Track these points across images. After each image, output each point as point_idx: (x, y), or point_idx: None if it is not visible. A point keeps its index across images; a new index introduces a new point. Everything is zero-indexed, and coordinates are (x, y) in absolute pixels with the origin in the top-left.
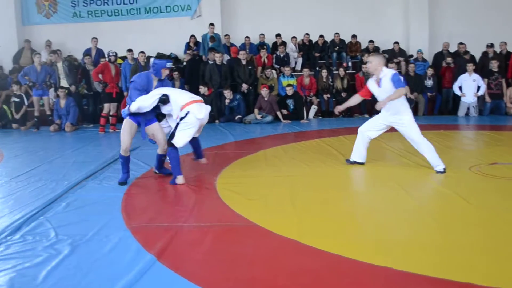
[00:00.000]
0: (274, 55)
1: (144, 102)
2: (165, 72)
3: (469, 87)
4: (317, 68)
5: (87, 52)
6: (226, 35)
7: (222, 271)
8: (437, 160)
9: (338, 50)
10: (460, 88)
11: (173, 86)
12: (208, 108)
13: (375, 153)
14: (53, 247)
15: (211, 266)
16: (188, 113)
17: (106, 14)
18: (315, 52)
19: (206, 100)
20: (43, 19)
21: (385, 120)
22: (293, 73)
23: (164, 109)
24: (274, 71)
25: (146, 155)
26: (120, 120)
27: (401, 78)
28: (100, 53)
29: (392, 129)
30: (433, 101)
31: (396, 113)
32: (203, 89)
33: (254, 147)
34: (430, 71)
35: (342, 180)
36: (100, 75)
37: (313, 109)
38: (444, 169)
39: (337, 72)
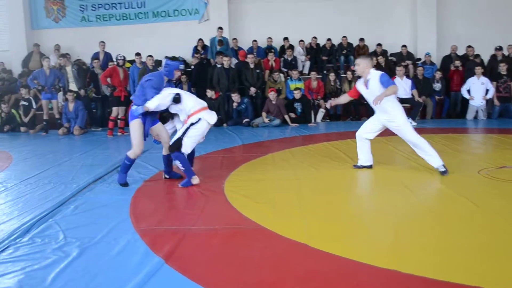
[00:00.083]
0: (282, 58)
1: (162, 101)
2: (177, 74)
3: (478, 90)
4: (325, 72)
5: (95, 56)
6: (234, 38)
7: (230, 274)
8: (436, 160)
9: (346, 53)
10: (469, 91)
11: (181, 89)
12: (215, 114)
13: (383, 157)
14: (62, 249)
15: (219, 269)
16: (200, 119)
17: (114, 18)
18: (323, 56)
19: (214, 103)
20: (52, 23)
21: (378, 121)
22: (300, 77)
23: (173, 109)
24: (281, 75)
25: (155, 158)
26: (128, 123)
27: (389, 77)
28: (108, 57)
29: None
30: (442, 105)
31: (384, 111)
32: (210, 93)
33: (262, 151)
34: (438, 74)
35: (350, 183)
36: (108, 79)
37: (321, 112)
38: (444, 165)
39: (344, 75)
